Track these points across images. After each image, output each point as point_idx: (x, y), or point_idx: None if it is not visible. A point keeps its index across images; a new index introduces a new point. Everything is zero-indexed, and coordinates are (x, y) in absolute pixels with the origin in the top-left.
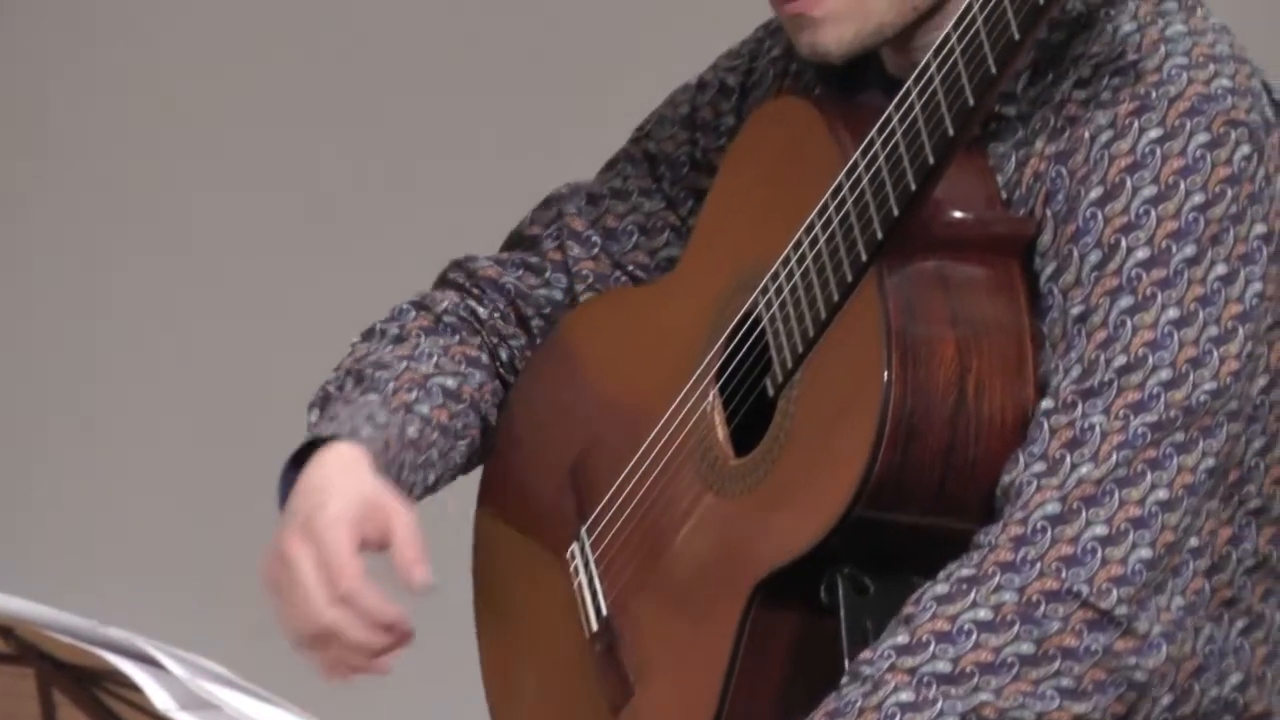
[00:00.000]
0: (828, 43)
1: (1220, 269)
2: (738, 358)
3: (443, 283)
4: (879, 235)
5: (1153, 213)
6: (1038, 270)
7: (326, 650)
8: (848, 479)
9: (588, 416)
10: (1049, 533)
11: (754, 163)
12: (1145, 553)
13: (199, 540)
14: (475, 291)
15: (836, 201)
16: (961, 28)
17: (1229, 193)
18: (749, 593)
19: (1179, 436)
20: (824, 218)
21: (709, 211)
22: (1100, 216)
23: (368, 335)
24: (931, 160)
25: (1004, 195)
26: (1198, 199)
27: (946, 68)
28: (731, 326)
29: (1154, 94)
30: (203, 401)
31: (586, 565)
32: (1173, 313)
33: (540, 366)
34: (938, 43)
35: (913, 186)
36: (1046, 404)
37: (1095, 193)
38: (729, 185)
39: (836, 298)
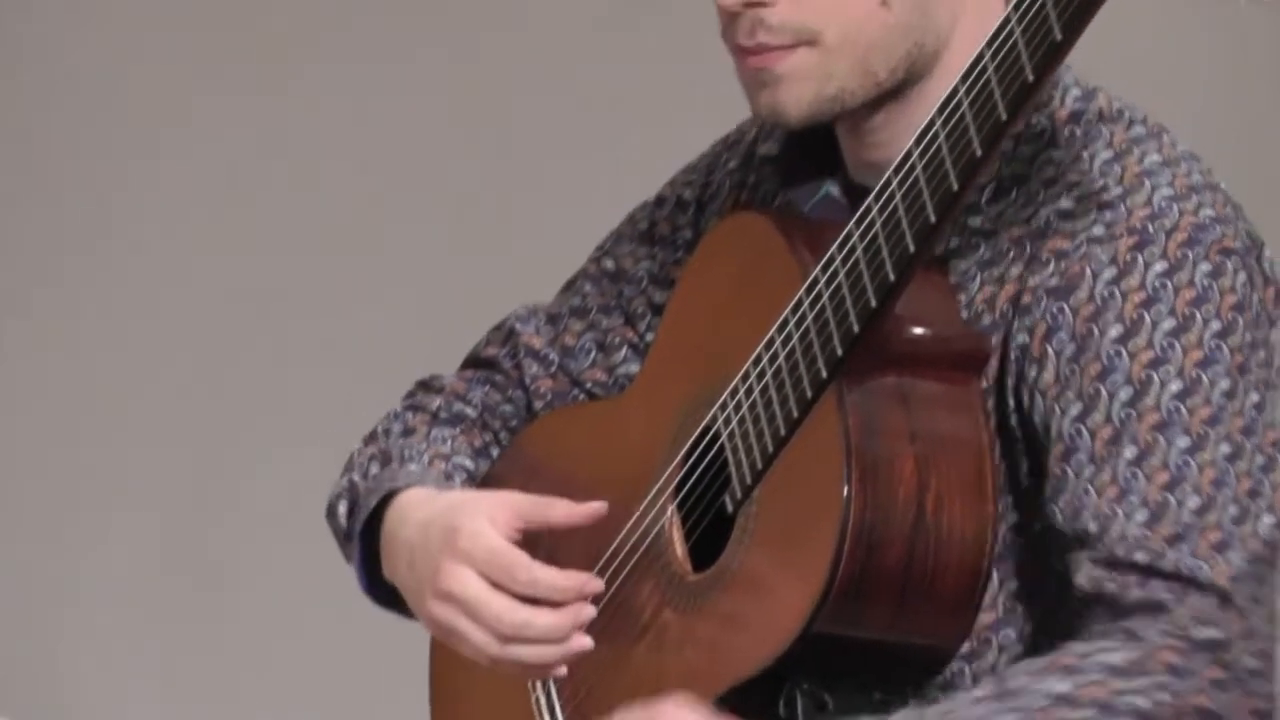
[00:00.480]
0: (787, 102)
1: (1254, 397)
2: (696, 473)
3: (410, 397)
4: (839, 352)
5: (1177, 345)
6: (1045, 410)
7: (522, 653)
8: (807, 593)
9: (545, 530)
10: (1208, 655)
11: (713, 277)
12: (1271, 688)
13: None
14: (450, 400)
15: (796, 318)
16: (924, 144)
17: (1240, 320)
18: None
19: (1263, 570)
20: (784, 333)
21: (668, 326)
22: (1125, 353)
23: (370, 439)
24: (892, 277)
25: (967, 314)
26: (1215, 326)
27: (908, 184)
28: (690, 442)
29: (1150, 227)
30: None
31: (544, 680)
32: (1225, 448)
33: (497, 481)
34: (900, 158)
35: (873, 303)
36: (1140, 556)
37: (1115, 330)
38: (688, 300)
39: (796, 414)
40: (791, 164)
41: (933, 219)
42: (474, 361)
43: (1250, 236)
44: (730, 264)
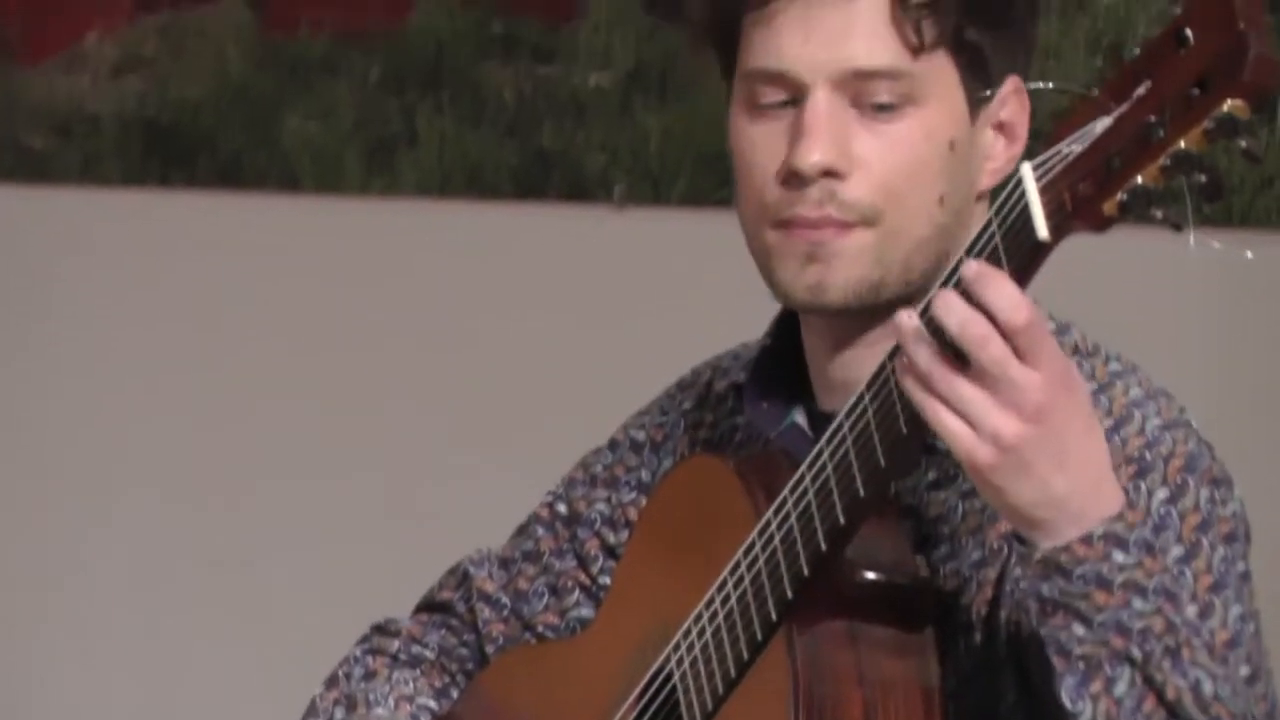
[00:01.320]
0: (834, 282)
1: (1251, 626)
2: (649, 714)
3: (366, 641)
4: (789, 594)
5: (1187, 572)
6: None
7: None
8: None
9: None
10: None
11: (670, 519)
12: None
13: None
14: (408, 643)
15: (748, 560)
16: (874, 386)
17: (1234, 549)
18: None
19: None
20: (735, 575)
21: (625, 566)
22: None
23: (330, 684)
24: (842, 521)
25: (950, 546)
26: (1222, 551)
27: (860, 428)
28: (644, 683)
29: (1148, 455)
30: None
31: None
32: (1245, 670)
33: None
34: (853, 399)
35: (823, 547)
36: None
37: None
38: (645, 540)
39: (746, 656)
40: (761, 388)
41: (883, 463)
42: (429, 605)
43: (1224, 472)
44: (687, 506)
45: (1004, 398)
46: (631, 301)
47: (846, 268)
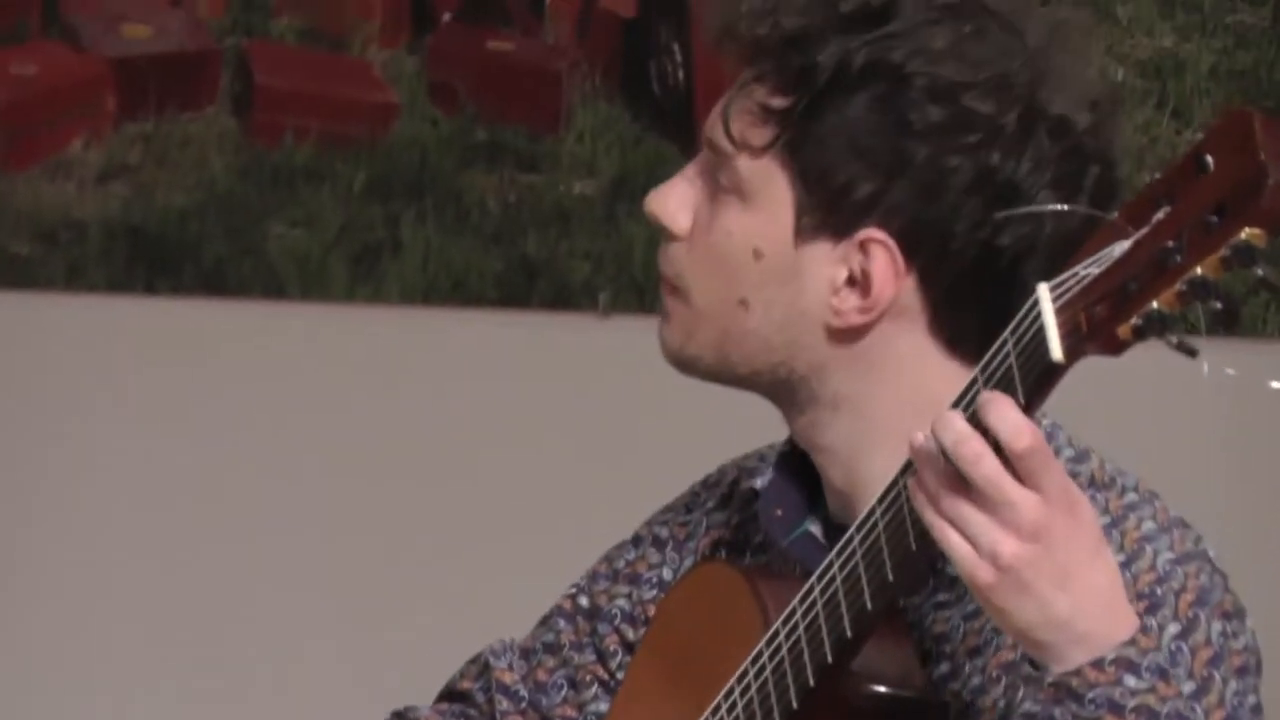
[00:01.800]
0: (664, 339)
1: None
2: None
3: None
4: (794, 704)
5: (1198, 709)
6: None
7: None
8: None
9: None
10: None
11: (682, 623)
12: None
13: None
14: None
15: (755, 669)
16: (885, 501)
17: (1246, 682)
18: None
19: None
20: (743, 683)
21: (635, 669)
22: None
23: None
24: (850, 633)
25: (950, 665)
26: (1235, 685)
27: (869, 542)
28: None
29: (1159, 590)
30: None
31: None
32: None
33: None
34: (864, 514)
35: (829, 658)
36: None
37: None
38: (657, 644)
39: None
40: (777, 496)
41: (891, 578)
42: (449, 694)
43: (1237, 604)
44: (699, 612)
45: (1002, 517)
46: (617, 410)
47: (669, 328)
